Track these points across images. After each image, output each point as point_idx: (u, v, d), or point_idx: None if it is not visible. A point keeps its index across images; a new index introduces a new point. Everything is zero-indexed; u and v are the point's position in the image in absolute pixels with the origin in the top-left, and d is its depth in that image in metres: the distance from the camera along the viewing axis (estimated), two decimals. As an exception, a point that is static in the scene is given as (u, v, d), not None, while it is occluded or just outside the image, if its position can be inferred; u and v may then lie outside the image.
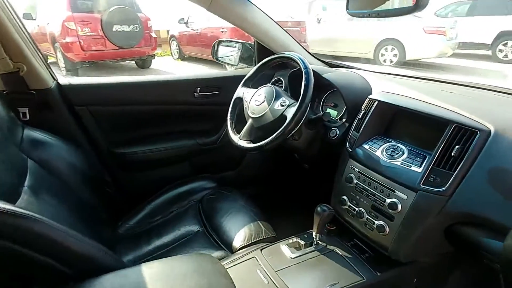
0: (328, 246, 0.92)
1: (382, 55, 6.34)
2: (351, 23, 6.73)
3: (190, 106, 1.42)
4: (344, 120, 1.04)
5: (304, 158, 1.28)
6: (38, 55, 1.10)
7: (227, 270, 0.67)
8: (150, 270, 0.63)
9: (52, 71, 1.18)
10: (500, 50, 6.54)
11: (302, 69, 0.96)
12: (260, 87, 1.09)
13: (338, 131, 1.03)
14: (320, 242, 0.92)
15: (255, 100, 1.06)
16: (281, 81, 1.29)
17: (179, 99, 1.39)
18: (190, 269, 0.65)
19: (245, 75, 1.18)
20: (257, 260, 0.88)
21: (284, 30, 1.32)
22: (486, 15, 6.69)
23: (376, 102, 0.92)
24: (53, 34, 5.71)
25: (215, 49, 1.63)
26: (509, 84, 0.96)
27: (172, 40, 8.35)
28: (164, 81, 1.36)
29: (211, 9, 1.16)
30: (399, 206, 0.78)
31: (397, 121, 0.92)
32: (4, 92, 1.06)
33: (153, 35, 6.43)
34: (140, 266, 0.63)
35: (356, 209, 0.89)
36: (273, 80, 1.33)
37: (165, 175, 1.41)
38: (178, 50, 8.19)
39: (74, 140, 1.15)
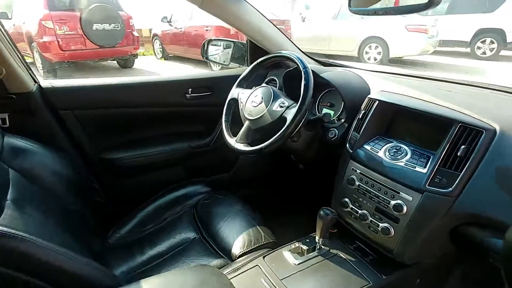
0: (331, 250, 0.89)
1: (367, 53, 6.43)
2: (335, 22, 6.79)
3: (181, 107, 1.37)
4: (343, 120, 1.02)
5: (301, 159, 1.25)
6: (18, 56, 1.04)
7: (231, 280, 0.65)
8: (149, 287, 0.59)
9: (33, 73, 1.11)
10: (478, 48, 6.74)
11: (301, 69, 0.93)
12: (255, 88, 1.06)
13: (337, 132, 1.00)
14: (323, 247, 0.90)
15: (252, 101, 1.02)
16: (275, 80, 1.26)
17: (169, 101, 1.34)
18: (193, 283, 0.62)
19: (238, 75, 1.14)
20: (260, 268, 0.85)
21: (278, 29, 1.29)
22: (464, 13, 6.87)
23: (377, 102, 0.91)
24: (30, 34, 5.51)
25: (205, 48, 1.58)
26: (501, 81, 0.97)
27: (155, 39, 8.21)
28: (154, 82, 1.31)
29: (204, 7, 1.12)
30: (405, 208, 0.77)
31: (398, 121, 0.90)
32: None
33: (135, 33, 6.31)
34: (139, 283, 0.60)
35: (359, 211, 0.88)
36: (266, 80, 1.30)
37: (157, 180, 1.36)
38: (161, 49, 8.07)
39: (58, 147, 1.09)
